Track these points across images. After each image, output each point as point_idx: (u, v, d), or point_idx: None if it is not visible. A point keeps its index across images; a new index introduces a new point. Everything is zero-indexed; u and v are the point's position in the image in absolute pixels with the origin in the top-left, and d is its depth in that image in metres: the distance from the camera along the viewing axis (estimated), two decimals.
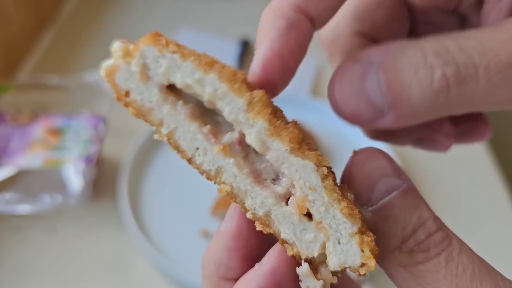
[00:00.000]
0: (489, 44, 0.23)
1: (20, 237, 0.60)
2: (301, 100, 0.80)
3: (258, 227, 0.22)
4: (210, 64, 0.22)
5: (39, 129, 0.64)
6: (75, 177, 0.59)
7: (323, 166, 0.21)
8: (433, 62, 0.23)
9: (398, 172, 0.25)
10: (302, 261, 0.21)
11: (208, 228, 0.60)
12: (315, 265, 0.21)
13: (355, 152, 0.26)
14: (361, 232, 0.21)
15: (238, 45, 0.94)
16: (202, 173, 0.22)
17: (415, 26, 0.32)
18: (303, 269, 0.21)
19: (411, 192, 0.25)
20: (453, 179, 0.70)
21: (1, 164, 0.59)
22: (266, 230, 0.22)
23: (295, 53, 0.28)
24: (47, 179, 0.61)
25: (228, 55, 0.93)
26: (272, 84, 0.28)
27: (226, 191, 0.21)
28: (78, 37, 0.98)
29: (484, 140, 0.38)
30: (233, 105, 0.21)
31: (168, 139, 0.22)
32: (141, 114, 0.22)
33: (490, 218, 0.66)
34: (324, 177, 0.21)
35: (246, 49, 0.92)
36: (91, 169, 0.60)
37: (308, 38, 0.29)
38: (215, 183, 0.22)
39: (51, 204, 0.59)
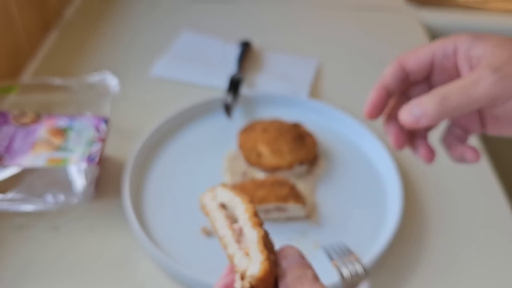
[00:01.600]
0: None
1: (23, 235, 0.60)
2: (301, 101, 0.81)
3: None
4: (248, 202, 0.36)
5: (42, 130, 0.64)
6: (78, 177, 0.60)
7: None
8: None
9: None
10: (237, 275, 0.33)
11: (209, 226, 0.61)
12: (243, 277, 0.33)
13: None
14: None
15: (239, 47, 0.95)
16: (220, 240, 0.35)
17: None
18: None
19: None
20: (453, 189, 0.70)
21: (4, 164, 0.60)
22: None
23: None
24: (50, 179, 0.61)
25: (229, 57, 0.94)
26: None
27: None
28: (81, 40, 0.99)
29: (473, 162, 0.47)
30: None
31: (213, 227, 0.36)
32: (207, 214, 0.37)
33: (490, 226, 0.66)
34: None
35: (246, 50, 0.93)
36: (93, 168, 0.61)
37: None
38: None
39: (54, 203, 0.59)
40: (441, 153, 0.75)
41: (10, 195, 0.59)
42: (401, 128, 0.47)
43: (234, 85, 0.80)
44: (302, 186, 0.66)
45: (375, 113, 0.47)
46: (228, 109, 0.75)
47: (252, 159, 0.68)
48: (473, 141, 0.78)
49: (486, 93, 0.39)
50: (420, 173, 0.71)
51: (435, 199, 0.68)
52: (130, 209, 0.60)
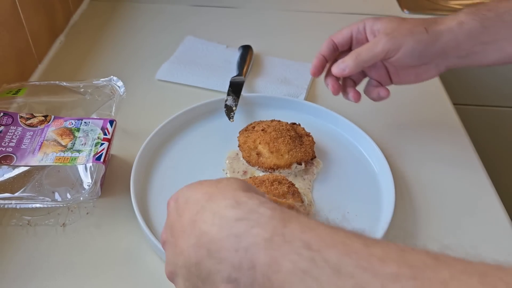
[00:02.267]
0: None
1: (31, 233, 0.62)
2: (299, 103, 0.83)
3: None
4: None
5: (50, 130, 0.66)
6: (84, 175, 0.62)
7: None
8: None
9: None
10: None
11: None
12: None
13: None
14: None
15: (239, 50, 0.97)
16: None
17: None
18: None
19: None
20: (443, 186, 0.71)
21: (13, 163, 0.62)
22: None
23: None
24: (57, 177, 0.62)
25: (230, 61, 0.96)
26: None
27: None
28: (87, 45, 1.01)
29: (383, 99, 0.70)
30: None
31: None
32: None
33: (480, 221, 0.68)
34: None
35: (247, 54, 0.95)
36: (100, 167, 0.62)
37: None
38: None
39: (61, 201, 0.60)
40: (434, 154, 0.77)
41: (18, 193, 0.60)
42: (336, 80, 0.69)
43: (235, 88, 0.82)
44: (300, 184, 0.68)
45: (317, 73, 0.69)
46: (229, 111, 0.77)
47: (252, 159, 0.70)
48: (464, 138, 0.80)
49: (382, 48, 0.61)
50: (412, 171, 0.73)
51: (427, 197, 0.70)
52: (136, 207, 0.62)
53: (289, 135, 0.70)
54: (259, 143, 0.70)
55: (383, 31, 0.62)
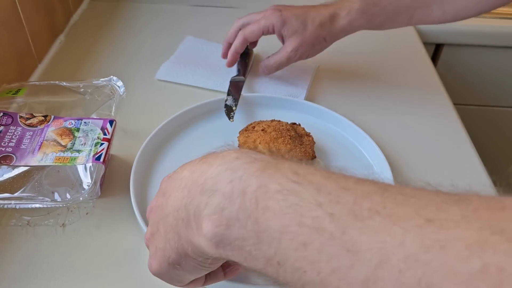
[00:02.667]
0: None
1: (30, 233, 0.62)
2: (299, 103, 0.83)
3: None
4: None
5: (50, 130, 0.66)
6: (84, 175, 0.62)
7: None
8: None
9: None
10: None
11: None
12: None
13: None
14: None
15: None
16: None
17: None
18: None
19: None
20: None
21: (12, 163, 0.62)
22: None
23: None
24: (57, 177, 0.62)
25: None
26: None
27: None
28: (87, 45, 1.01)
29: None
30: None
31: None
32: None
33: None
34: None
35: (247, 53, 0.95)
36: (100, 167, 0.62)
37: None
38: None
39: (61, 201, 0.60)
40: (434, 154, 0.77)
41: (18, 193, 0.60)
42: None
43: (235, 88, 0.82)
44: None
45: (231, 65, 0.86)
46: (229, 110, 0.77)
47: None
48: (464, 138, 0.80)
49: (291, 61, 0.81)
50: (412, 171, 0.73)
51: None
52: (136, 207, 0.62)
53: (289, 135, 0.70)
54: (259, 143, 0.70)
55: (290, 44, 0.77)
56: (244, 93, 0.85)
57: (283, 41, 0.79)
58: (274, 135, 0.70)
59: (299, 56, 0.78)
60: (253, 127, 0.73)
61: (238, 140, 0.73)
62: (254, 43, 0.86)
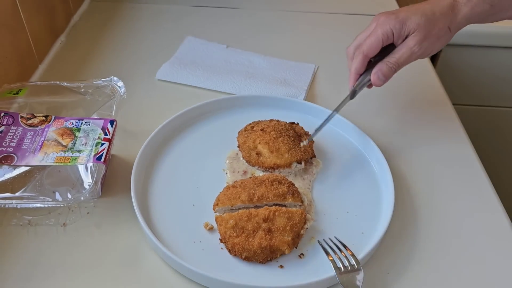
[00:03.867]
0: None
1: (31, 232, 0.62)
2: (299, 104, 0.83)
3: None
4: None
5: (50, 130, 0.66)
6: (85, 175, 0.62)
7: None
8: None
9: None
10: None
11: (211, 221, 0.63)
12: None
13: None
14: None
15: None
16: None
17: None
18: None
19: None
20: (453, 201, 0.71)
21: (13, 164, 0.62)
22: None
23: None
24: (58, 177, 0.63)
25: (230, 61, 0.96)
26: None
27: None
28: (88, 45, 1.01)
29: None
30: None
31: None
32: None
33: (480, 219, 0.68)
34: None
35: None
36: (101, 167, 0.63)
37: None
38: None
39: (62, 200, 0.61)
40: (434, 154, 0.77)
41: (19, 193, 0.60)
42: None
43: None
44: (299, 184, 0.68)
45: (353, 83, 0.72)
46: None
47: (252, 158, 0.70)
48: (464, 138, 0.81)
49: (416, 57, 0.69)
50: (412, 171, 0.73)
51: (427, 197, 0.70)
52: (137, 206, 0.62)
53: (288, 135, 0.70)
54: (259, 143, 0.70)
55: (413, 39, 0.67)
56: (244, 93, 0.86)
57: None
58: (273, 135, 0.70)
59: (423, 51, 0.68)
60: (252, 127, 0.73)
61: (238, 140, 0.73)
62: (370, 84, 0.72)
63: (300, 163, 0.69)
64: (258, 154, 0.70)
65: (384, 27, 0.68)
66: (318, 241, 0.61)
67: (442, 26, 0.68)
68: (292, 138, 0.70)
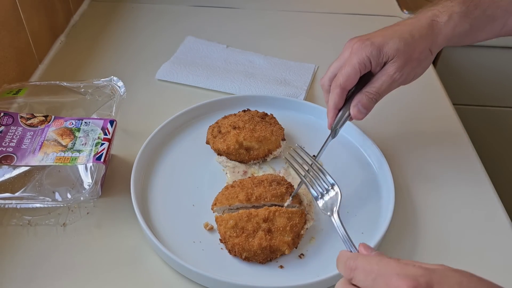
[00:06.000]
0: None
1: (31, 233, 0.62)
2: (299, 104, 0.83)
3: None
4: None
5: (50, 131, 0.66)
6: (85, 175, 0.62)
7: None
8: None
9: None
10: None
11: (211, 221, 0.63)
12: None
13: None
14: None
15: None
16: None
17: None
18: None
19: None
20: (453, 201, 0.71)
21: (13, 164, 0.62)
22: None
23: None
24: (58, 177, 0.63)
25: (230, 61, 0.96)
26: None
27: None
28: (88, 45, 1.01)
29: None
30: None
31: None
32: None
33: (479, 217, 0.68)
34: None
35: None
36: (100, 167, 0.63)
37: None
38: None
39: (61, 200, 0.61)
40: (434, 154, 0.77)
41: (18, 193, 0.60)
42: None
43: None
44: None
45: (333, 119, 0.67)
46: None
47: (243, 156, 0.70)
48: (464, 138, 0.81)
49: (398, 85, 0.64)
50: (412, 171, 0.73)
51: (426, 197, 0.70)
52: (137, 206, 0.62)
53: (259, 119, 0.73)
54: (244, 139, 0.70)
55: (393, 66, 0.62)
56: (244, 93, 0.86)
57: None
58: (250, 127, 0.71)
59: (406, 77, 0.63)
60: (219, 131, 0.73)
61: (218, 149, 0.72)
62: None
63: (284, 140, 0.75)
64: (247, 149, 0.70)
65: (359, 56, 0.62)
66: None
67: (422, 49, 0.63)
68: (264, 121, 0.73)
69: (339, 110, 0.66)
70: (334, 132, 0.66)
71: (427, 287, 0.36)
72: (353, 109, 0.64)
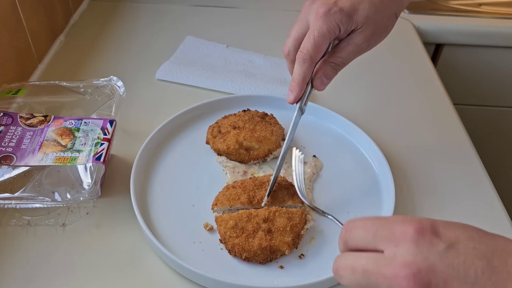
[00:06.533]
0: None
1: (30, 233, 0.62)
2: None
3: None
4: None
5: (50, 130, 0.66)
6: (84, 175, 0.62)
7: None
8: None
9: None
10: None
11: (211, 222, 0.63)
12: None
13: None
14: None
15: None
16: None
17: None
18: None
19: None
20: (453, 201, 0.71)
21: (12, 164, 0.62)
22: None
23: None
24: (57, 177, 0.63)
25: (230, 61, 0.96)
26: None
27: None
28: (87, 45, 1.01)
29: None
30: None
31: None
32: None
33: (478, 214, 0.68)
34: None
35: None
36: (100, 167, 0.63)
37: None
38: None
39: (61, 201, 0.60)
40: (434, 154, 0.77)
41: (18, 193, 0.60)
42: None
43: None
44: None
45: (300, 94, 0.61)
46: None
47: (243, 156, 0.70)
48: (464, 138, 0.81)
49: (364, 52, 0.61)
50: (412, 171, 0.73)
51: (427, 197, 0.70)
52: (136, 207, 0.62)
53: (259, 119, 0.73)
54: (244, 139, 0.70)
55: (361, 35, 0.59)
56: (244, 93, 0.86)
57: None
58: (250, 126, 0.71)
59: (371, 45, 0.60)
60: (219, 131, 0.73)
61: (217, 149, 0.72)
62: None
63: (284, 139, 0.73)
64: (247, 149, 0.70)
65: (329, 23, 0.56)
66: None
67: (390, 14, 0.59)
68: (264, 121, 0.73)
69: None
70: (301, 108, 0.63)
71: (432, 230, 0.36)
72: (317, 81, 0.61)
